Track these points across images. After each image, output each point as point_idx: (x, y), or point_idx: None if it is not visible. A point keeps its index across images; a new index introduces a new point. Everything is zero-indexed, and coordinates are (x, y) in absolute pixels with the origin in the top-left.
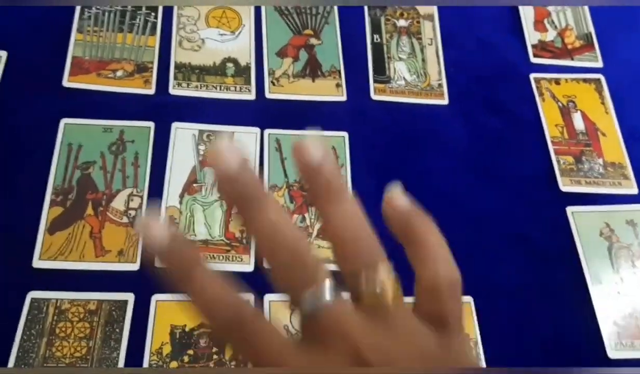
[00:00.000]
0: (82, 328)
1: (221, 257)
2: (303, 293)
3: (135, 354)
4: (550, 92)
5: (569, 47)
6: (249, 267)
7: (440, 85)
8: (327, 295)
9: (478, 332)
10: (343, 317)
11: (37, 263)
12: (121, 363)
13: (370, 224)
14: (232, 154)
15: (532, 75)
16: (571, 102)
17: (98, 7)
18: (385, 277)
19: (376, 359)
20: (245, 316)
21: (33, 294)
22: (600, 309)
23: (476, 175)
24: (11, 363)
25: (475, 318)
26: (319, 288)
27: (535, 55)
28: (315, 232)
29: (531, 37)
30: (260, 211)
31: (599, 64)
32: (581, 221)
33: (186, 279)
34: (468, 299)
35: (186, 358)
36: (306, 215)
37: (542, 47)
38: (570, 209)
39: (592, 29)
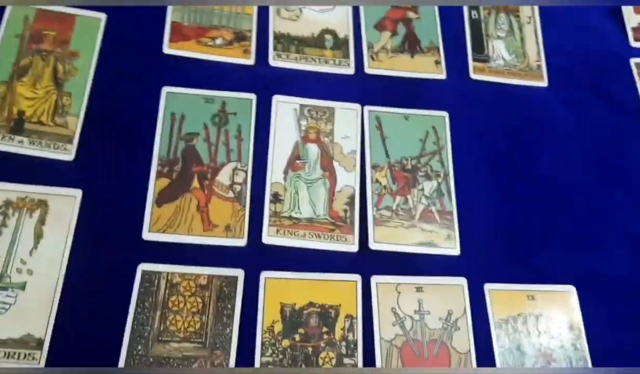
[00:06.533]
0: (195, 303)
1: (326, 237)
2: None
3: (247, 331)
4: None
5: None
6: (353, 248)
7: (539, 66)
8: None
9: (582, 322)
10: None
11: (147, 235)
12: (234, 340)
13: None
14: None
15: (633, 60)
16: None
17: None
18: None
19: None
20: None
21: (144, 267)
22: None
23: (585, 165)
24: (127, 334)
25: (578, 307)
26: None
27: (635, 39)
28: (418, 215)
29: (631, 20)
30: None
31: None
32: None
33: None
34: (570, 288)
35: (297, 337)
36: (409, 197)
37: None
38: None
39: None
